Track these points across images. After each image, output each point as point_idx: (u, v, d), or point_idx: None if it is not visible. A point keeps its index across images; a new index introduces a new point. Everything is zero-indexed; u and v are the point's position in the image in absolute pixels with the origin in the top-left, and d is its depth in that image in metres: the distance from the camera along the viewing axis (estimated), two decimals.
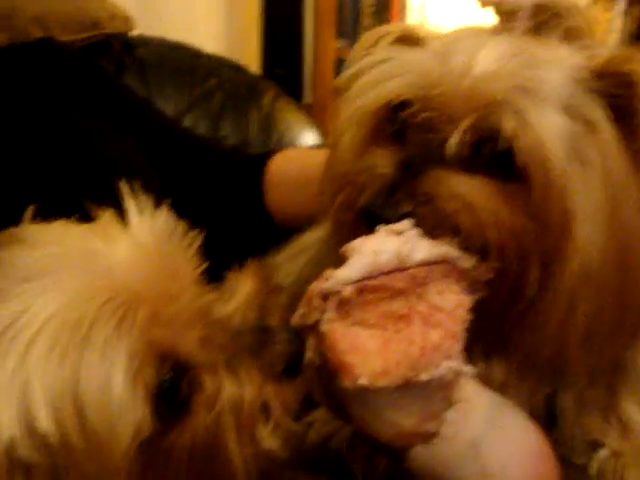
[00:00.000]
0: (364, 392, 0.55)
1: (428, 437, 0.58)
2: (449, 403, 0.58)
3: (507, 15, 0.66)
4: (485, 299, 0.60)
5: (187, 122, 1.43)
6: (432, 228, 0.58)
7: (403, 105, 0.63)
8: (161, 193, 0.94)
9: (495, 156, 0.59)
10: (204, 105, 1.45)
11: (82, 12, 1.33)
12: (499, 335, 0.68)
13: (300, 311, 0.56)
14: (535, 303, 0.63)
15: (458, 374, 0.56)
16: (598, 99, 0.60)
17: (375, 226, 0.58)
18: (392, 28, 0.69)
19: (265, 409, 0.53)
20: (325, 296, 0.55)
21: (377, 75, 0.65)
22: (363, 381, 0.53)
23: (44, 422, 0.42)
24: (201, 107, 1.45)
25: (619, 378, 0.72)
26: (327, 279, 0.55)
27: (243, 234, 1.01)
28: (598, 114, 0.60)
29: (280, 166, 1.02)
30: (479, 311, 0.58)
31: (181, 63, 1.49)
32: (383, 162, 0.64)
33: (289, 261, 0.85)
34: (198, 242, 0.55)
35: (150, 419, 0.46)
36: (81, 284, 0.47)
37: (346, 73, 0.68)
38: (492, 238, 0.59)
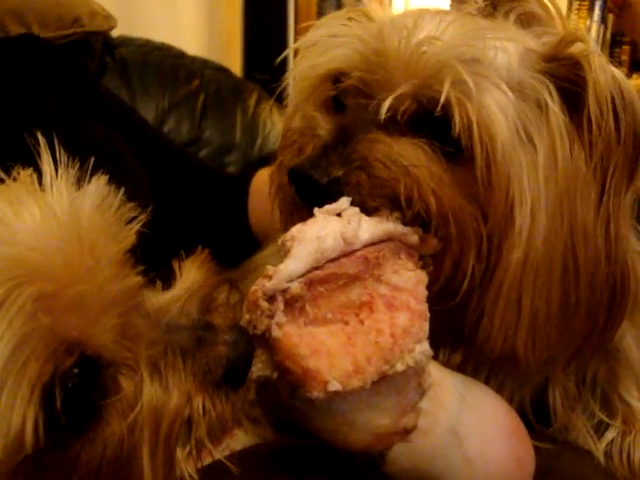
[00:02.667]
0: (334, 399, 0.48)
1: (406, 433, 0.52)
2: (422, 392, 0.53)
3: None
4: (431, 282, 0.55)
5: (169, 123, 1.38)
6: (369, 196, 0.52)
7: (344, 74, 0.58)
8: (147, 183, 0.87)
9: (438, 127, 0.55)
10: (187, 106, 1.41)
11: (62, 8, 1.24)
12: (450, 324, 0.64)
13: (246, 317, 0.48)
14: (479, 287, 0.59)
15: (429, 356, 0.51)
16: (548, 82, 0.57)
17: (307, 196, 0.51)
18: (350, 10, 0.64)
19: (189, 425, 0.44)
20: (271, 297, 0.47)
21: (321, 46, 0.61)
22: (334, 386, 0.46)
23: None
24: (184, 108, 1.40)
25: (615, 361, 0.71)
26: (270, 277, 0.47)
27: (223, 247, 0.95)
28: (548, 96, 0.57)
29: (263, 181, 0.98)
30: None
31: (164, 64, 1.44)
32: (321, 126, 0.58)
33: (245, 278, 0.77)
34: (136, 222, 0.45)
35: (39, 426, 0.37)
36: None
37: (297, 43, 0.64)
38: (432, 207, 0.54)
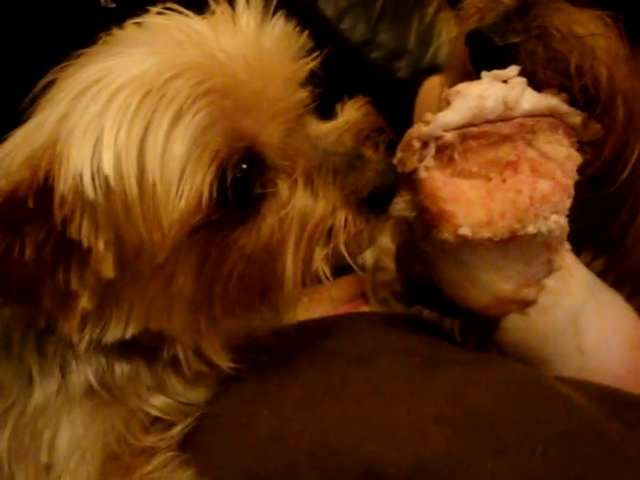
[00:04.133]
0: (463, 247, 0.51)
1: (525, 305, 0.54)
2: (550, 269, 0.54)
3: None
4: (583, 165, 0.55)
5: (346, 22, 1.40)
6: (542, 67, 0.53)
7: None
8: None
9: (628, 1, 0.53)
10: (364, 7, 1.41)
11: None
12: (598, 225, 0.63)
13: (398, 156, 0.52)
14: (631, 190, 0.57)
15: (564, 233, 0.52)
16: None
17: (481, 61, 0.53)
18: None
19: (329, 232, 0.49)
20: (425, 142, 0.51)
21: None
22: (465, 231, 0.49)
23: (108, 165, 0.44)
24: (361, 9, 1.41)
25: None
26: (428, 122, 0.51)
27: None
28: None
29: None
30: (578, 181, 0.54)
31: None
32: None
33: None
34: (310, 57, 0.52)
35: (212, 199, 0.45)
36: (171, 53, 0.47)
37: None
38: (601, 82, 0.53)
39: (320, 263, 0.49)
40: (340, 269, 0.54)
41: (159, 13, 0.52)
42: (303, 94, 0.51)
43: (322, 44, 0.96)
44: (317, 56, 0.51)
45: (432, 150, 0.51)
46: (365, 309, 0.82)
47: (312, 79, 0.53)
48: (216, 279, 0.49)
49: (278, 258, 0.49)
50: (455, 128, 0.51)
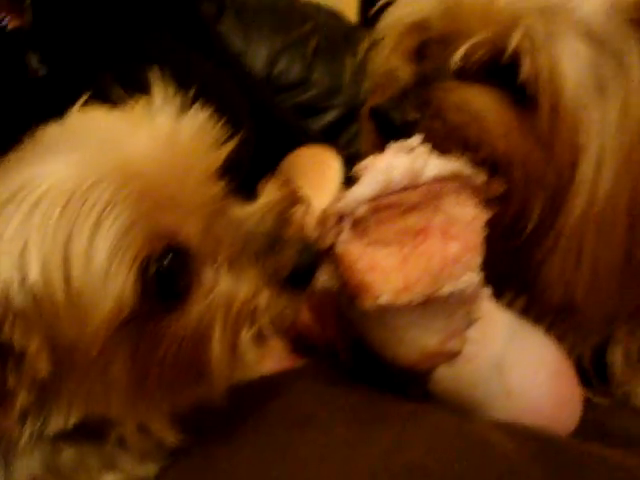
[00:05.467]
0: (385, 312, 0.54)
1: (452, 356, 0.58)
2: (470, 320, 0.58)
3: None
4: (493, 220, 0.59)
5: (280, 65, 1.46)
6: (441, 140, 0.57)
7: (426, 25, 0.63)
8: (251, 123, 0.95)
9: (509, 75, 0.57)
10: (298, 48, 1.48)
11: None
12: (515, 268, 0.67)
13: (316, 232, 0.55)
14: (540, 236, 0.61)
15: (478, 288, 0.56)
16: (632, 32, 0.57)
17: (385, 133, 0.56)
18: None
19: (254, 314, 0.52)
20: (340, 217, 0.54)
21: None
22: (384, 299, 0.52)
23: (34, 273, 0.46)
24: (295, 50, 1.48)
25: None
26: (340, 199, 0.54)
27: None
28: (628, 47, 0.57)
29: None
30: (488, 233, 0.58)
31: (278, 6, 1.53)
32: (403, 70, 0.63)
33: None
34: (228, 144, 0.55)
35: (137, 295, 0.47)
36: (90, 158, 0.49)
37: None
38: (500, 152, 0.57)
39: (246, 344, 0.52)
40: None
41: (80, 110, 0.55)
42: (220, 185, 0.53)
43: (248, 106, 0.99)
44: (235, 141, 0.54)
45: (347, 224, 0.54)
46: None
47: (237, 158, 0.56)
48: (150, 364, 0.51)
49: (207, 342, 0.51)
50: (367, 201, 0.54)
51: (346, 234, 0.54)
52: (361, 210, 0.54)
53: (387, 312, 0.54)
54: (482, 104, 0.57)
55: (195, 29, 1.02)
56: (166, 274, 0.49)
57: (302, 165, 0.99)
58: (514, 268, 0.65)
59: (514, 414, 0.59)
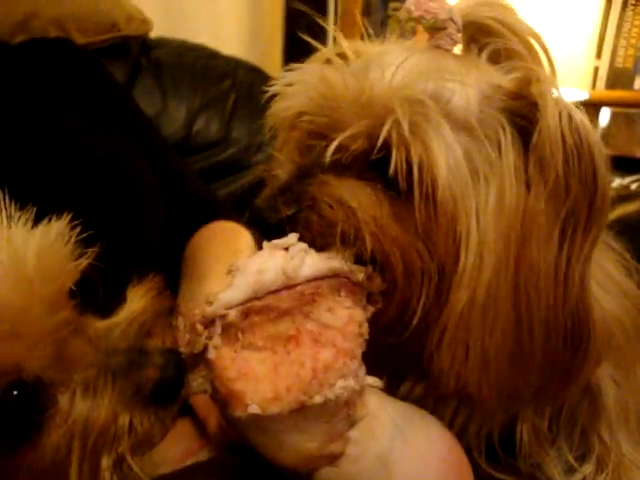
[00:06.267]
0: (259, 419, 0.52)
1: (334, 458, 0.56)
2: (352, 422, 0.56)
3: (434, 31, 0.63)
4: (377, 315, 0.58)
5: (199, 123, 1.44)
6: (318, 235, 0.56)
7: (302, 118, 0.62)
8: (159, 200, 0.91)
9: (381, 169, 0.56)
10: (217, 106, 1.46)
11: (100, 14, 1.34)
12: (410, 357, 0.66)
13: (185, 338, 0.53)
14: (427, 330, 0.60)
15: (357, 392, 0.54)
16: (505, 121, 0.57)
17: (263, 231, 0.55)
18: (328, 50, 0.66)
19: (115, 438, 0.50)
20: (210, 321, 0.52)
21: (290, 90, 0.64)
22: (254, 409, 0.50)
23: None
24: (214, 108, 1.46)
25: (595, 399, 0.71)
26: (210, 303, 0.52)
27: None
28: (502, 135, 0.57)
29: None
30: (374, 326, 0.57)
31: (197, 64, 1.50)
32: (285, 167, 0.62)
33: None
34: (83, 258, 0.52)
35: None
36: None
37: (274, 88, 0.67)
38: (376, 247, 0.56)
39: (107, 472, 0.49)
40: None
41: None
42: (70, 310, 0.50)
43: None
44: (88, 254, 0.52)
45: (218, 329, 0.52)
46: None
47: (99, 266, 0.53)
48: None
49: (66, 472, 0.48)
50: (237, 305, 0.52)
51: (217, 339, 0.52)
52: (232, 315, 0.52)
53: (261, 419, 0.52)
54: (354, 199, 0.56)
55: (101, 97, 1.00)
56: (17, 407, 0.46)
57: (212, 248, 0.97)
58: (409, 358, 0.63)
59: None
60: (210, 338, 0.52)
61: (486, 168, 0.56)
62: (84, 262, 0.51)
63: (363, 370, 0.56)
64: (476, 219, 0.56)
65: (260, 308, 0.52)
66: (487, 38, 0.63)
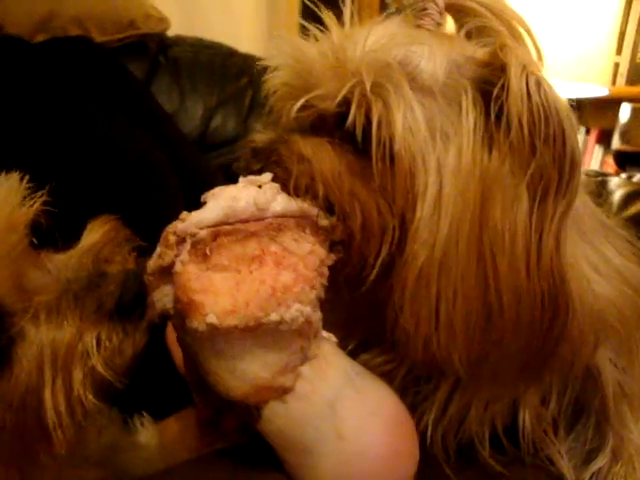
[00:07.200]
0: (216, 337, 0.54)
1: (283, 392, 0.58)
2: (304, 357, 0.58)
3: (418, 12, 0.69)
4: (338, 264, 0.61)
5: (216, 120, 1.46)
6: (283, 186, 0.60)
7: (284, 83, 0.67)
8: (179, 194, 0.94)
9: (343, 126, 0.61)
10: (234, 103, 1.48)
11: (118, 13, 1.38)
12: (369, 325, 0.69)
13: (157, 250, 0.55)
14: (388, 289, 0.61)
15: (313, 323, 0.57)
16: (474, 86, 0.60)
17: None
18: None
19: (83, 355, 0.52)
20: (181, 238, 0.55)
21: (275, 63, 0.68)
22: (211, 319, 0.52)
23: None
24: (231, 105, 1.48)
25: (601, 388, 0.72)
26: (183, 220, 0.55)
27: None
28: (465, 99, 0.60)
29: None
30: (335, 276, 0.60)
31: (214, 62, 1.52)
32: (265, 133, 0.66)
33: None
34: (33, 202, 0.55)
35: None
36: None
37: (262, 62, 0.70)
38: (332, 199, 0.60)
39: (80, 389, 0.51)
40: None
41: None
42: (26, 244, 0.54)
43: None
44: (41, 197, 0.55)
45: (188, 245, 0.55)
46: None
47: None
48: None
49: (40, 394, 0.50)
50: (209, 226, 0.56)
51: (185, 255, 0.55)
52: (202, 233, 0.55)
53: (218, 336, 0.54)
54: (313, 153, 0.61)
55: (121, 94, 1.05)
56: None
57: None
58: (377, 324, 0.65)
59: (344, 459, 0.58)
60: (179, 254, 0.55)
61: (448, 128, 0.59)
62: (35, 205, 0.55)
63: (319, 312, 0.59)
64: (435, 176, 0.59)
65: (229, 231, 0.55)
66: (468, 18, 0.68)
